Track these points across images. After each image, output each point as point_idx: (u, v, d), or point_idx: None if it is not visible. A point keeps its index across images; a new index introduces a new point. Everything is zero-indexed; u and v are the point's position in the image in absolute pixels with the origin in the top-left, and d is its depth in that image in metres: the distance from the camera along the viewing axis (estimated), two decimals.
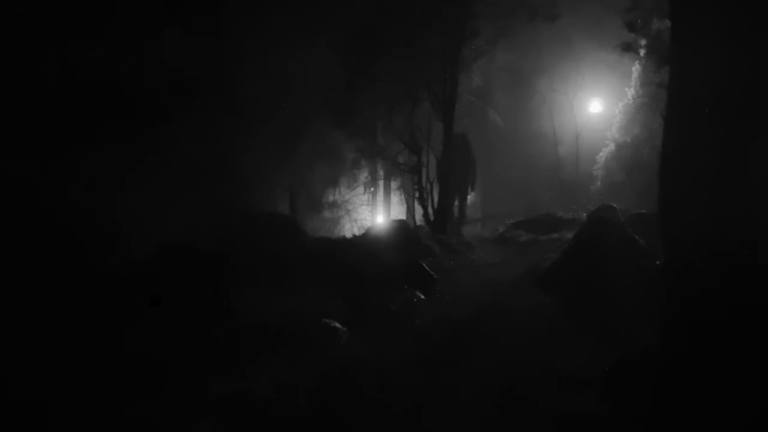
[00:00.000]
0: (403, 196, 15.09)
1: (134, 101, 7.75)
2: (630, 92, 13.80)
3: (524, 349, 4.77)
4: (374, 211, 17.45)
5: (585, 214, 10.77)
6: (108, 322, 5.00)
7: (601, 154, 15.00)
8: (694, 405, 3.59)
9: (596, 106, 16.83)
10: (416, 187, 11.11)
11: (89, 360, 4.38)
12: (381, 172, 17.16)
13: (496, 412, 3.77)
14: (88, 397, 3.92)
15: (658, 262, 5.99)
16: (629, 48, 10.88)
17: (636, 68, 13.23)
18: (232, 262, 6.69)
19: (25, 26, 6.93)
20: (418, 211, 11.32)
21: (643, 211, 8.73)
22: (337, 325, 5.15)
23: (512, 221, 12.37)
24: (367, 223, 15.43)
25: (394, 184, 17.17)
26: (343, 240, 9.21)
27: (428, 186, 10.91)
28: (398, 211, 16.83)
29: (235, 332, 4.98)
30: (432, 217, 10.67)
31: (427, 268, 7.04)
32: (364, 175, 16.77)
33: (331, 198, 15.90)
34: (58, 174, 6.68)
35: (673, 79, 5.58)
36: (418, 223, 11.32)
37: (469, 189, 12.26)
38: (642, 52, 11.20)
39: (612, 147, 14.68)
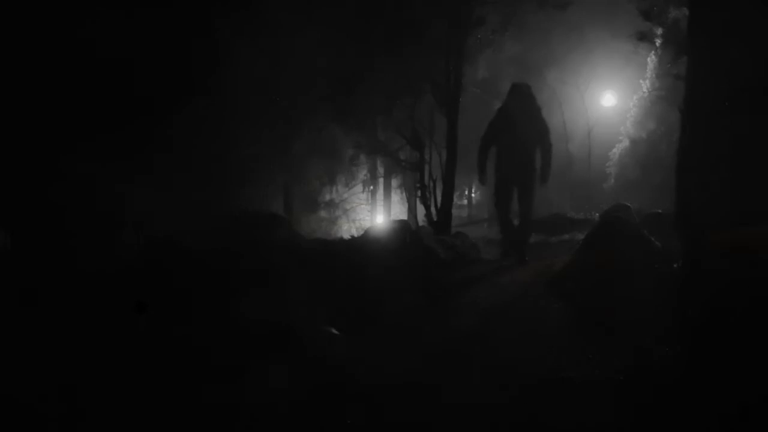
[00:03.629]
0: (404, 194, 15.10)
1: (117, 94, 7.74)
2: (645, 84, 13.82)
3: (534, 358, 4.77)
4: (374, 211, 17.49)
5: (597, 214, 10.77)
6: (90, 325, 5.00)
7: (614, 150, 15.02)
8: (710, 413, 3.59)
9: (609, 99, 16.79)
10: (418, 185, 11.07)
11: (71, 366, 4.37)
12: (381, 170, 17.19)
13: (502, 424, 3.76)
14: (67, 407, 3.92)
15: (675, 265, 5.99)
16: (644, 37, 10.89)
17: (652, 59, 13.25)
18: (222, 263, 6.69)
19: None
20: (421, 210, 11.30)
21: (659, 210, 8.72)
22: (334, 331, 5.15)
23: None
24: (366, 224, 15.45)
25: (394, 182, 17.20)
26: (341, 241, 9.21)
27: (431, 184, 10.88)
28: (399, 211, 16.87)
29: (224, 338, 4.98)
30: (435, 217, 10.66)
31: (430, 271, 7.03)
32: (363, 173, 16.82)
33: (328, 197, 15.95)
34: (41, 167, 6.67)
35: (691, 70, 5.58)
36: (420, 223, 11.30)
37: (539, 176, 7.66)
38: (658, 41, 11.22)
39: (626, 143, 14.70)
